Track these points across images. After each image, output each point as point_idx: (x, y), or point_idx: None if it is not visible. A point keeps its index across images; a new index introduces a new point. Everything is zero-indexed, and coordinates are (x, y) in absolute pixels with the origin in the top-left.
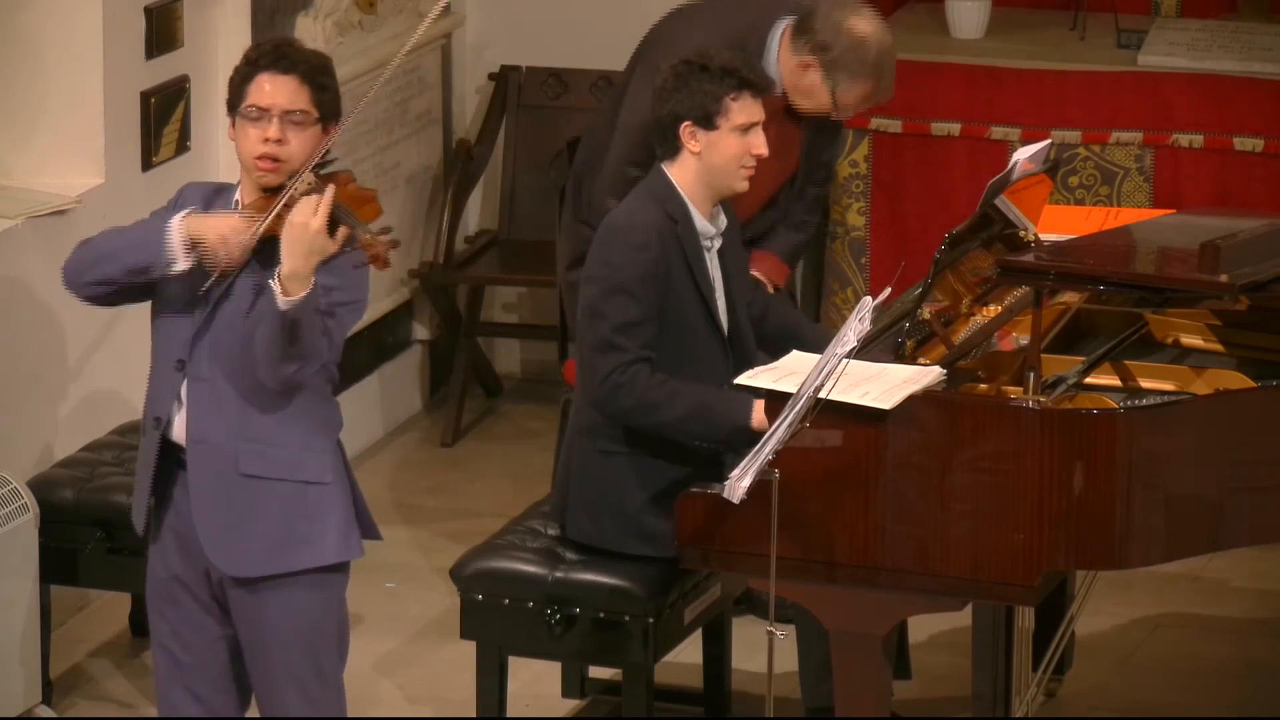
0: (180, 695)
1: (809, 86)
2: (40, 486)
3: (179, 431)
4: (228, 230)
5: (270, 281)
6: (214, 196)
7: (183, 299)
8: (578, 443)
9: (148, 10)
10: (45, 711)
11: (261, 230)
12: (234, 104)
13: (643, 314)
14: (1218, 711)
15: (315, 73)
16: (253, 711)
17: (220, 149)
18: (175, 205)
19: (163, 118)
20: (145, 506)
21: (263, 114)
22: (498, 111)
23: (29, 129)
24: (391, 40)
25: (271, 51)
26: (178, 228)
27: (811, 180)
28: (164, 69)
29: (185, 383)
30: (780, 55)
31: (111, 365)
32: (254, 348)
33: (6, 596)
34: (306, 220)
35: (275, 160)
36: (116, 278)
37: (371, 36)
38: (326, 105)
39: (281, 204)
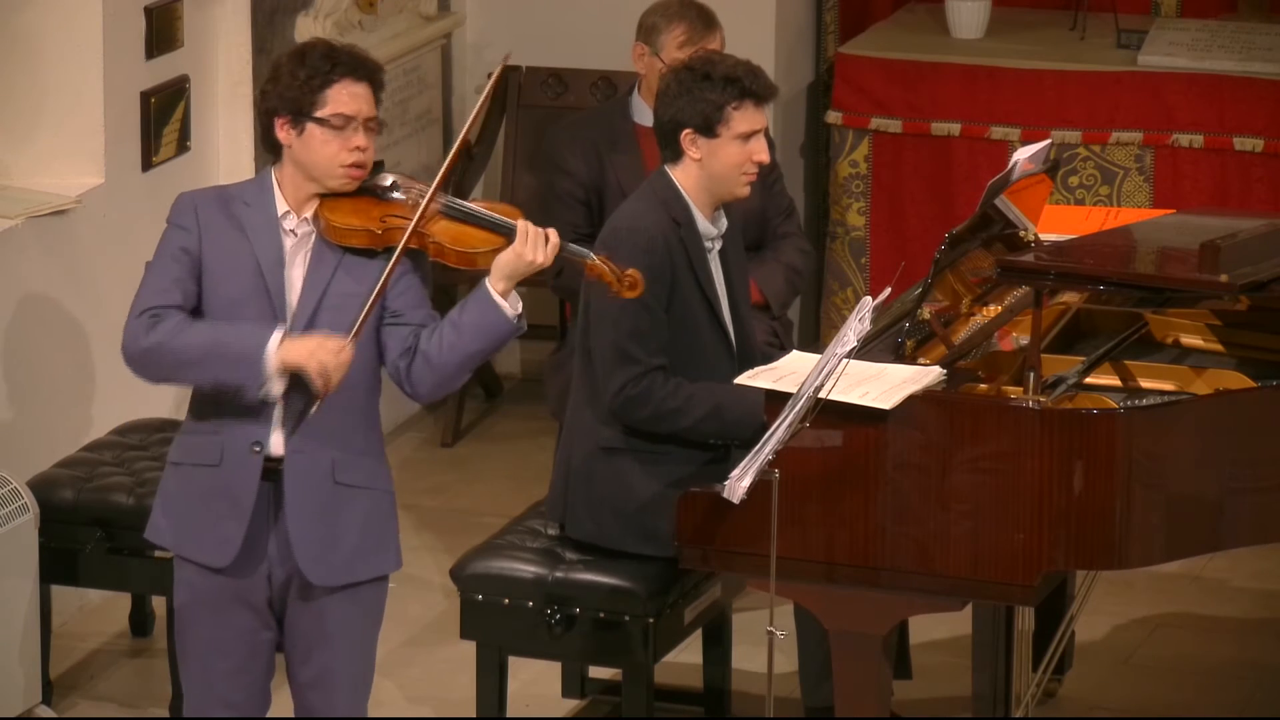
0: (215, 706)
1: (647, 72)
2: (40, 486)
3: (273, 446)
4: (328, 357)
5: (494, 299)
6: (224, 204)
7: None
8: (577, 441)
9: (148, 10)
10: (45, 711)
11: (402, 245)
12: (303, 108)
13: (653, 319)
14: (1218, 711)
15: (381, 77)
16: (282, 711)
17: (220, 149)
18: (179, 222)
19: (163, 118)
20: (240, 537)
21: (348, 122)
22: (498, 111)
23: (29, 129)
24: (391, 40)
25: (349, 59)
26: (273, 355)
27: (775, 212)
28: (164, 69)
29: (281, 399)
30: (639, 84)
31: (111, 365)
32: (446, 362)
33: (6, 596)
34: (545, 260)
35: (363, 168)
36: (199, 385)
37: (372, 36)
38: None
39: (417, 219)
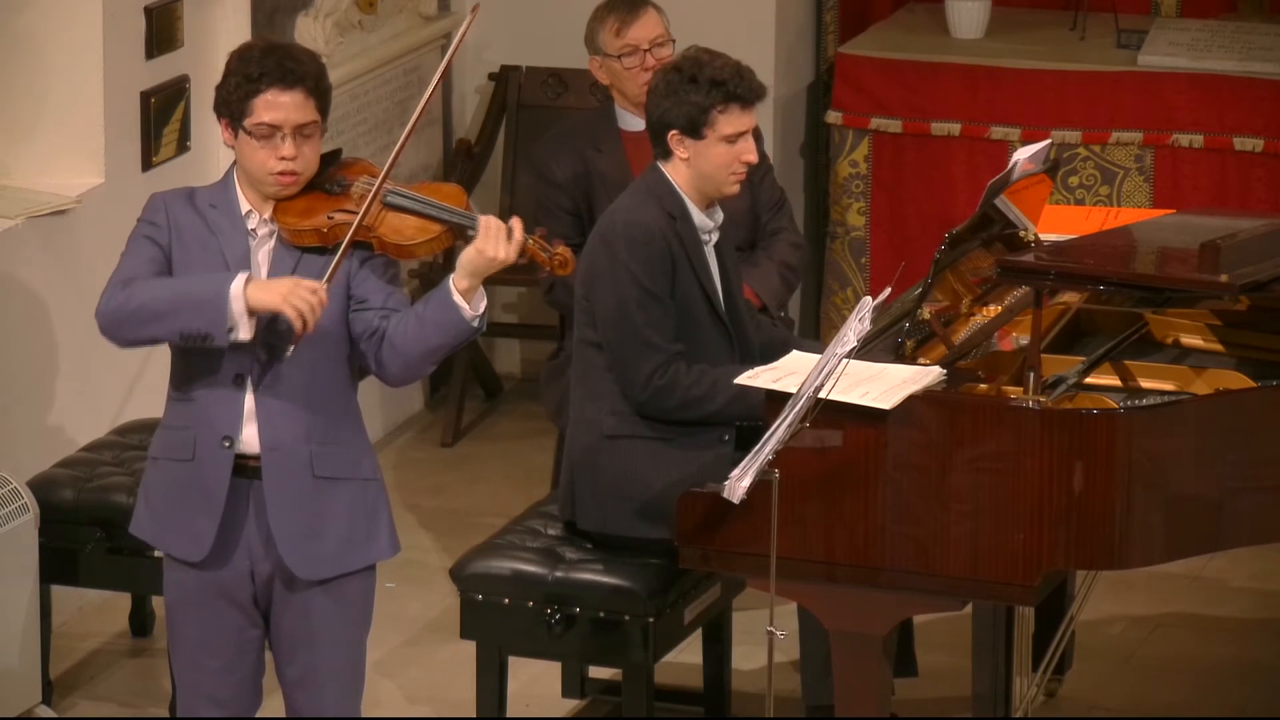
0: (204, 704)
1: (611, 78)
2: (40, 486)
3: (248, 443)
4: (302, 298)
5: (454, 299)
6: (193, 205)
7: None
8: (580, 434)
9: (148, 10)
10: (45, 711)
11: (347, 241)
12: (235, 115)
13: (663, 307)
14: (1218, 711)
15: (318, 80)
16: (273, 711)
17: (220, 149)
18: (149, 218)
19: (163, 118)
20: (213, 531)
21: (274, 131)
22: (498, 111)
23: (29, 129)
24: (392, 40)
25: (276, 67)
26: (239, 296)
27: (766, 207)
28: (164, 69)
29: (251, 394)
30: (615, 100)
31: (112, 365)
32: (410, 352)
33: (6, 596)
34: (506, 256)
35: (294, 174)
36: (167, 339)
37: (372, 36)
38: (327, 107)
39: (362, 216)
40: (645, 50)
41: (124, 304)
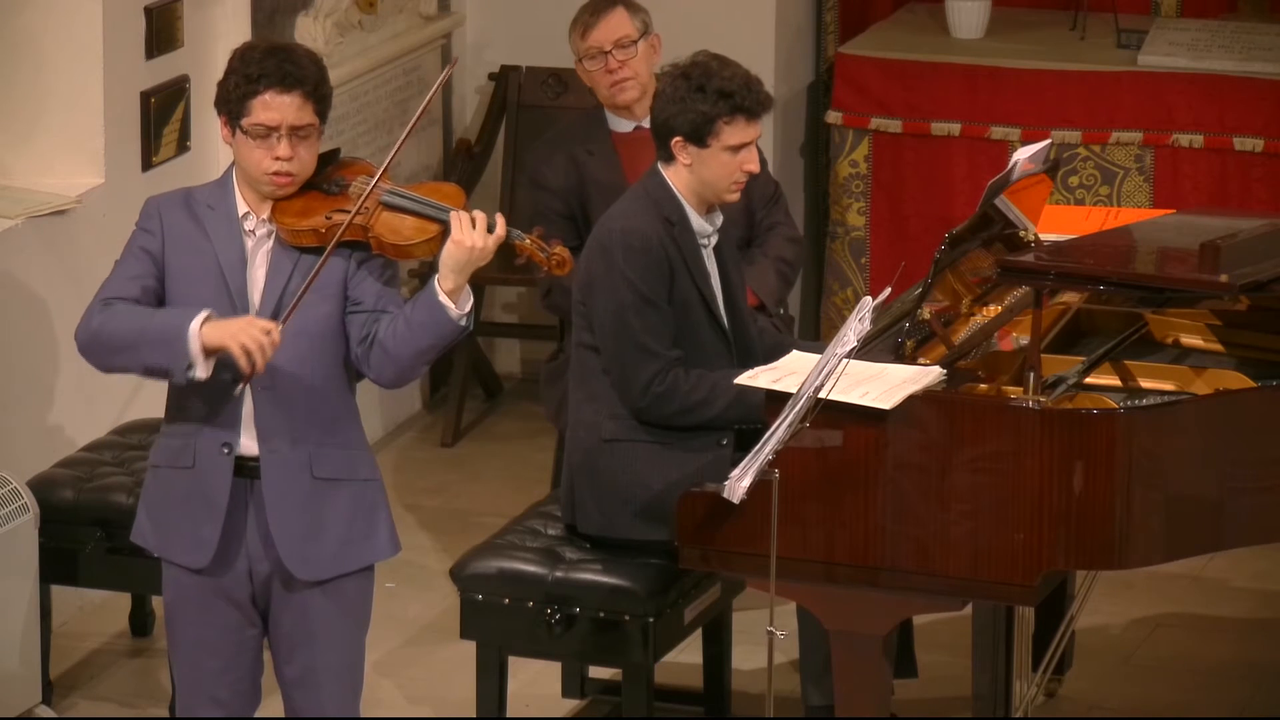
0: (204, 704)
1: (594, 84)
2: (40, 486)
3: (247, 445)
4: (253, 335)
5: (439, 299)
6: (189, 208)
7: None
8: (580, 436)
9: (148, 10)
10: (45, 711)
11: (335, 242)
12: (233, 114)
13: (660, 313)
14: (1218, 711)
15: (318, 84)
16: (272, 711)
17: (220, 148)
18: (144, 225)
19: (163, 118)
20: (216, 537)
21: (270, 133)
22: (498, 111)
23: (29, 129)
24: (391, 40)
25: (275, 70)
26: (196, 335)
27: (761, 203)
28: (164, 69)
29: (249, 397)
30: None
31: None
32: (401, 355)
33: (6, 596)
34: (484, 245)
35: (290, 175)
36: (135, 371)
37: (372, 36)
38: (326, 110)
39: (354, 214)
40: (607, 52)
41: (96, 332)
